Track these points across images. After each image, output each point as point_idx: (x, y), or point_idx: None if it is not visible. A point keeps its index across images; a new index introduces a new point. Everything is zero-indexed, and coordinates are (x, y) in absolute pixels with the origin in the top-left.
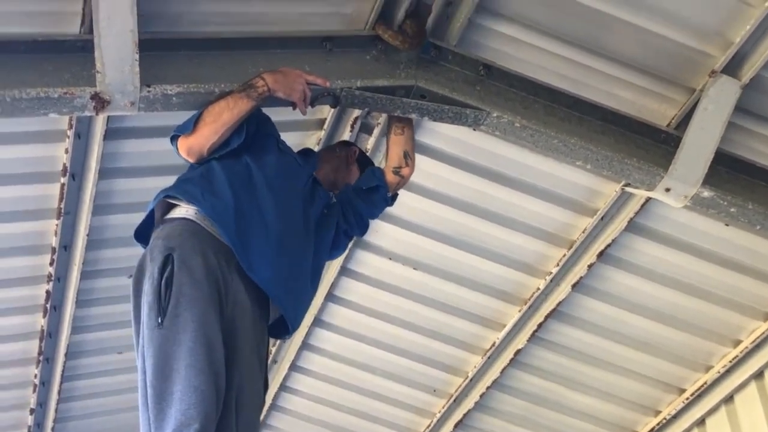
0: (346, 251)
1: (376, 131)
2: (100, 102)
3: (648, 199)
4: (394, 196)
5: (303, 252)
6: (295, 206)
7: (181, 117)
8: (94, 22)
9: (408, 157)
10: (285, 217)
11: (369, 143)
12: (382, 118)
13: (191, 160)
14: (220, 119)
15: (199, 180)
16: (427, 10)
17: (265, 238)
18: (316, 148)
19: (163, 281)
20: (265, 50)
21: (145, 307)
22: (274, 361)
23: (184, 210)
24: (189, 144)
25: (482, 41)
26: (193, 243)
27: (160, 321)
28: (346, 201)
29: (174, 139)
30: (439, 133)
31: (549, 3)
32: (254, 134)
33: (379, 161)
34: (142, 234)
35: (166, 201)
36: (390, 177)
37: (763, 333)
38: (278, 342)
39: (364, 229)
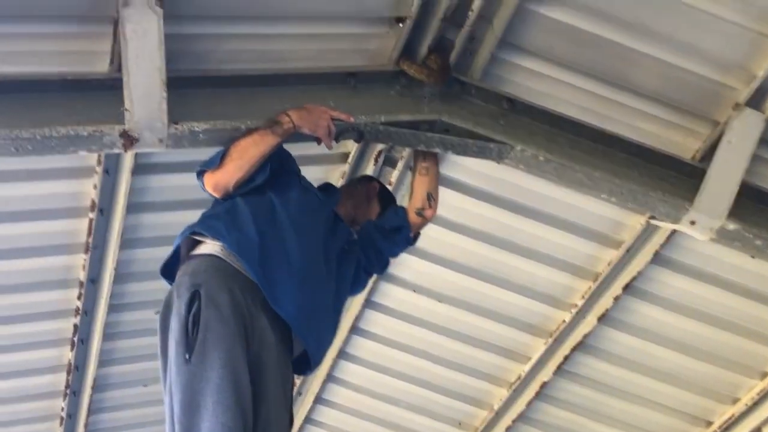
0: (369, 285)
1: (400, 165)
2: (129, 139)
3: (673, 232)
4: (416, 236)
5: (326, 288)
6: (318, 242)
7: (207, 153)
8: (123, 61)
9: (432, 199)
10: (308, 253)
11: (393, 177)
12: (406, 151)
13: (217, 196)
14: (246, 155)
15: (224, 216)
16: (450, 45)
17: (290, 274)
18: (340, 182)
19: (190, 318)
20: (291, 87)
21: (173, 344)
22: (299, 394)
23: (209, 246)
24: (215, 180)
25: (505, 75)
26: (219, 279)
27: (187, 357)
28: (367, 238)
29: (200, 174)
30: (463, 167)
31: (571, 37)
32: (278, 171)
33: (402, 195)
34: (168, 270)
35: (191, 237)
36: (413, 218)
37: None
38: (302, 376)
39: (384, 266)
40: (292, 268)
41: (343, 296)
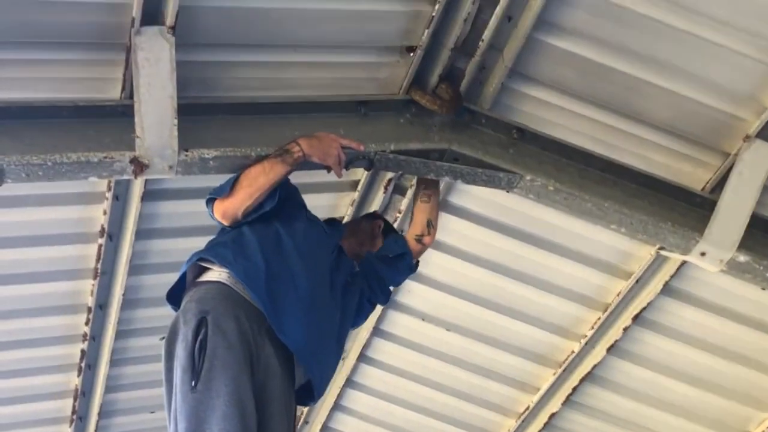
0: (377, 313)
1: (410, 193)
2: (139, 166)
3: (683, 263)
4: (417, 264)
5: (331, 319)
6: (323, 274)
7: (217, 180)
8: (134, 88)
9: (431, 226)
10: (314, 283)
11: (402, 204)
12: (416, 180)
13: (226, 223)
14: (255, 183)
15: (231, 244)
16: (460, 75)
17: (296, 303)
18: (350, 210)
19: (197, 345)
20: (301, 114)
21: (179, 371)
22: (306, 422)
23: (216, 273)
24: (224, 207)
25: (515, 105)
26: (226, 306)
27: (193, 384)
28: (369, 268)
29: (210, 201)
30: (472, 195)
31: (581, 67)
32: (284, 201)
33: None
34: (174, 296)
35: (198, 264)
36: (412, 244)
37: None
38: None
39: (387, 296)
40: (299, 298)
41: (346, 328)
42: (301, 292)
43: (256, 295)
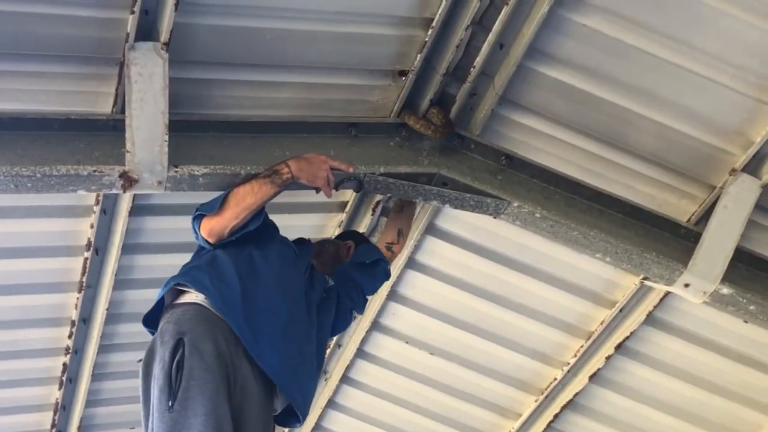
0: (362, 335)
1: None
2: (128, 180)
3: (667, 293)
4: (389, 271)
5: (308, 339)
6: (298, 294)
7: (205, 197)
8: (126, 103)
9: (401, 235)
10: (289, 305)
11: None
12: None
13: (211, 241)
14: (243, 203)
15: (207, 267)
16: (451, 100)
17: (273, 328)
18: (338, 231)
19: (174, 365)
20: (292, 134)
21: (156, 391)
22: None
23: (194, 296)
24: (212, 225)
25: (504, 132)
26: (204, 327)
27: (170, 404)
28: (346, 278)
29: (196, 218)
30: (460, 220)
31: (571, 97)
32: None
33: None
34: (151, 320)
35: (175, 288)
36: (383, 251)
37: None
38: None
39: (363, 304)
40: (276, 323)
41: (324, 345)
42: (278, 317)
43: (233, 322)
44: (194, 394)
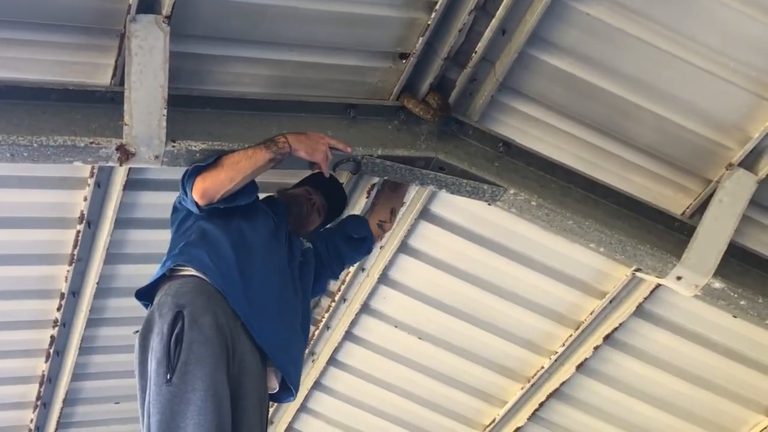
0: (351, 317)
1: None
2: (125, 154)
3: (657, 286)
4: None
5: (295, 311)
6: (283, 265)
7: None
8: (126, 75)
9: (394, 214)
10: (279, 277)
11: None
12: None
13: (201, 203)
14: (237, 167)
15: (202, 243)
16: (450, 85)
17: (268, 302)
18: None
19: (172, 338)
20: (290, 113)
21: (153, 363)
22: (271, 422)
23: (193, 271)
24: (205, 186)
25: (503, 118)
26: (203, 301)
27: (168, 378)
28: (330, 245)
29: (189, 178)
30: (454, 206)
31: (571, 86)
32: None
33: (393, 228)
34: (144, 293)
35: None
36: (373, 228)
37: (766, 428)
38: (275, 403)
39: (340, 273)
40: (269, 297)
41: (308, 312)
42: (271, 291)
43: (233, 299)
44: (193, 369)
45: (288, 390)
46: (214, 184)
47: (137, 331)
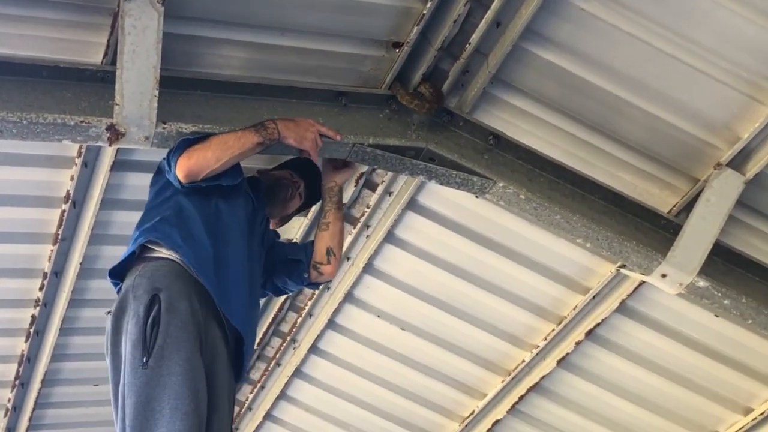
0: (334, 306)
1: (380, 189)
2: (115, 134)
3: (641, 283)
4: (313, 284)
5: (258, 291)
6: (254, 247)
7: None
8: (118, 55)
9: (331, 254)
10: (250, 262)
11: (371, 200)
12: (388, 176)
13: (184, 181)
14: (225, 146)
15: (175, 220)
16: (443, 76)
17: (238, 285)
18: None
19: (149, 321)
20: (281, 98)
21: (128, 346)
22: (249, 409)
23: (165, 251)
24: (190, 164)
25: (494, 111)
26: (179, 286)
27: (145, 360)
28: (274, 260)
29: (174, 153)
30: (441, 197)
31: (563, 81)
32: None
33: (378, 218)
34: (117, 272)
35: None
36: (312, 272)
37: (743, 427)
38: (255, 389)
39: (271, 291)
40: (241, 281)
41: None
42: (243, 275)
43: (206, 281)
44: (170, 353)
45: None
46: (199, 163)
47: (110, 312)
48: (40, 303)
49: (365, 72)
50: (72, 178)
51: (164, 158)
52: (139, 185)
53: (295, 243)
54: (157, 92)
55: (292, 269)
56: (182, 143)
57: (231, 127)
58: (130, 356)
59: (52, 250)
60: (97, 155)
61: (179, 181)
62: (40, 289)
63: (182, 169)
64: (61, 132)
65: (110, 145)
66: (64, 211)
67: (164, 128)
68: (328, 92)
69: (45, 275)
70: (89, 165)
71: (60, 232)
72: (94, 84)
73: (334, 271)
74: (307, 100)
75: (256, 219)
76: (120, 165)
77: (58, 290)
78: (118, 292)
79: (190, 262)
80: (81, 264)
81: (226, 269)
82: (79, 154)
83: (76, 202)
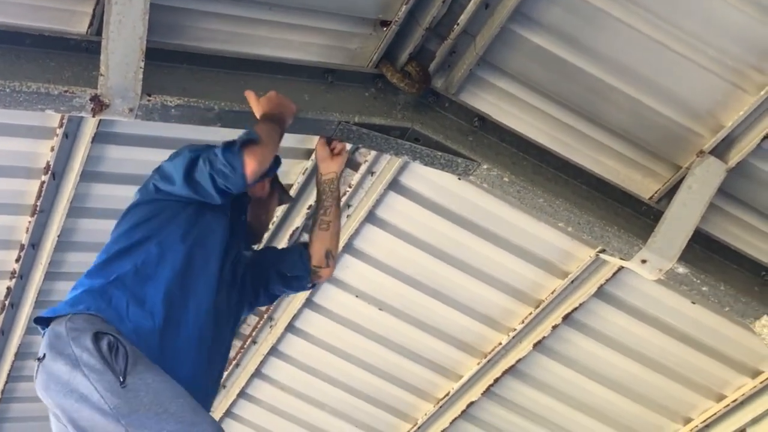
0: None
1: (363, 168)
2: (99, 104)
3: (620, 268)
4: (313, 285)
5: (227, 336)
6: (226, 282)
7: (173, 129)
8: (104, 24)
9: (330, 257)
10: (217, 306)
11: (354, 180)
12: (371, 155)
13: (249, 182)
14: (274, 142)
15: (133, 280)
16: (430, 56)
17: (193, 341)
18: (300, 178)
19: (104, 348)
20: (267, 74)
21: (91, 378)
22: (223, 387)
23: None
24: (260, 159)
25: (480, 93)
26: (114, 330)
27: (122, 380)
28: (262, 279)
29: (239, 149)
30: (424, 178)
31: (550, 64)
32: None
33: (360, 198)
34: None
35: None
36: (318, 258)
37: (715, 414)
38: (230, 367)
39: (256, 307)
40: (196, 335)
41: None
42: (202, 325)
43: (145, 350)
44: (143, 369)
45: None
46: (268, 159)
47: (39, 359)
48: (16, 275)
49: (352, 50)
50: (52, 149)
51: (145, 188)
52: (120, 158)
53: (285, 250)
54: (142, 64)
55: (292, 283)
56: (245, 139)
57: (216, 102)
58: (99, 386)
59: (30, 222)
60: (78, 127)
61: (245, 178)
62: (17, 260)
63: (253, 169)
64: (44, 101)
65: (94, 116)
66: (43, 183)
67: (149, 101)
68: (314, 69)
69: (22, 247)
70: (70, 136)
71: (38, 203)
72: (79, 54)
73: (332, 273)
74: (293, 76)
75: (236, 244)
76: (101, 137)
77: (35, 262)
78: (43, 335)
79: (129, 336)
80: (59, 236)
81: (177, 328)
82: (61, 125)
83: (56, 173)
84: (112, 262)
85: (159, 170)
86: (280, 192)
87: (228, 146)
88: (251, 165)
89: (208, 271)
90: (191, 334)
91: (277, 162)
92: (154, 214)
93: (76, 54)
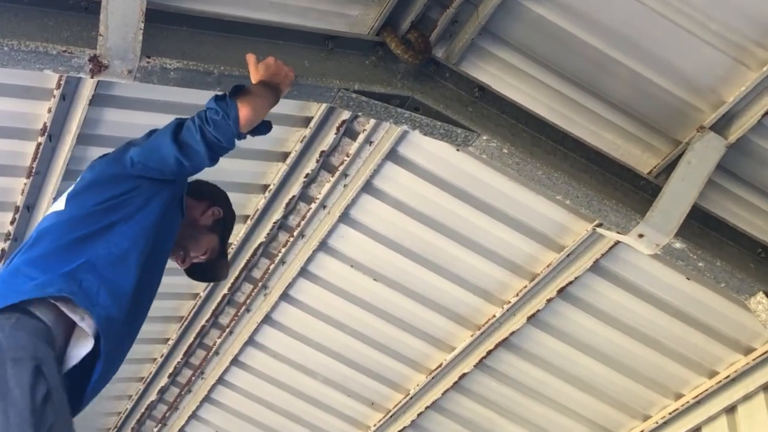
0: (308, 254)
1: (361, 137)
2: (98, 65)
3: (616, 243)
4: None
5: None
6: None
7: (171, 93)
8: None
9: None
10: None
11: (351, 149)
12: (369, 124)
13: (242, 131)
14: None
15: (105, 266)
16: (431, 25)
17: (129, 324)
18: (298, 146)
19: (38, 395)
20: (267, 39)
21: (11, 414)
22: (216, 353)
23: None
24: (254, 114)
25: (481, 63)
26: (51, 355)
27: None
28: None
29: (230, 97)
30: (422, 149)
31: (552, 35)
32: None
33: (358, 168)
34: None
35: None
36: None
37: (706, 390)
38: (223, 334)
39: None
40: (133, 318)
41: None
42: (141, 309)
43: (105, 343)
44: (63, 427)
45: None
46: (261, 113)
47: None
48: (10, 237)
49: (354, 17)
50: (49, 111)
51: (113, 154)
52: (117, 121)
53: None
54: (142, 25)
55: None
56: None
57: (216, 65)
58: (15, 428)
59: (25, 184)
60: (76, 88)
61: (238, 125)
62: (12, 222)
63: (247, 119)
64: (42, 61)
65: (92, 77)
66: (39, 144)
67: (148, 62)
68: (315, 35)
69: (17, 209)
70: (67, 98)
71: (34, 165)
72: (78, 14)
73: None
74: (293, 41)
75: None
76: (99, 99)
77: (30, 224)
78: None
79: (100, 326)
80: (54, 199)
81: (138, 315)
82: (58, 86)
83: (53, 135)
84: (82, 243)
85: (140, 145)
86: (220, 256)
87: (220, 97)
88: (244, 111)
89: (164, 257)
90: (143, 315)
91: (268, 126)
92: (128, 193)
93: (75, 14)
